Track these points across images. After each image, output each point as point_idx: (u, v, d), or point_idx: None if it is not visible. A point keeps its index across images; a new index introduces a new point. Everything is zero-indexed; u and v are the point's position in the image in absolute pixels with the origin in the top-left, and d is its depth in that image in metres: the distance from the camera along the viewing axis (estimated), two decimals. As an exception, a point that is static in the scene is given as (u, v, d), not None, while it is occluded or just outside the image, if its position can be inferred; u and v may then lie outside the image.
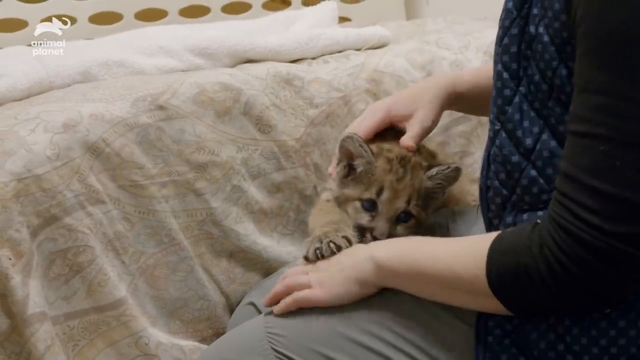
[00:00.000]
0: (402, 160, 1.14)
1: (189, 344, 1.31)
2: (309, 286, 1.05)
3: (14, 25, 1.89)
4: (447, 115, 1.50)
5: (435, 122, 1.20)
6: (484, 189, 0.98)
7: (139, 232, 1.27)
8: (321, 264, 1.06)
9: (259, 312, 1.24)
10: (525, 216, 0.93)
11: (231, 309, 1.36)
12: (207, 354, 1.13)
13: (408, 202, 1.13)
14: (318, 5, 1.86)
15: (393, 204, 1.13)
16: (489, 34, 1.65)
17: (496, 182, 0.95)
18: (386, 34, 1.65)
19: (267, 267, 1.39)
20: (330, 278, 1.04)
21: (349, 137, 1.14)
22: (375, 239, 1.12)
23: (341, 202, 1.17)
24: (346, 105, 1.45)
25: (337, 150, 1.18)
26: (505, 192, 0.95)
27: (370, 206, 1.14)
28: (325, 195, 1.24)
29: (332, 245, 1.07)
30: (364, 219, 1.14)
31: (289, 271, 1.12)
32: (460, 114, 1.48)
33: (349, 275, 1.02)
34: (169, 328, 1.31)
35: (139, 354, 1.25)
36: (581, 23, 0.81)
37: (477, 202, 1.26)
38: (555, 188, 0.84)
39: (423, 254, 0.96)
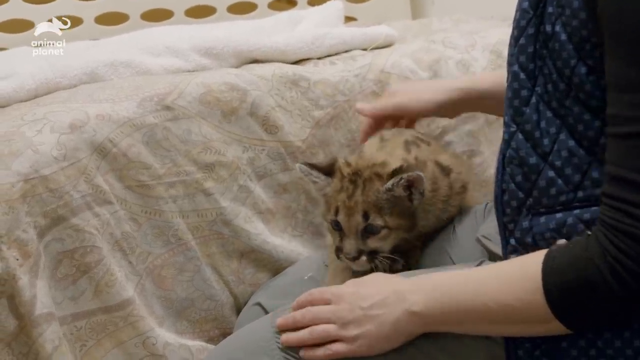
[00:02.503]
0: (354, 175, 1.12)
1: (196, 344, 1.30)
2: (338, 337, 0.97)
3: (20, 26, 1.90)
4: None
5: (426, 109, 1.24)
6: (499, 193, 0.95)
7: (146, 232, 1.27)
8: (349, 313, 0.97)
9: (266, 312, 1.24)
10: (542, 219, 0.91)
11: (239, 310, 1.36)
12: (214, 354, 1.12)
13: (366, 216, 1.10)
14: (324, 5, 1.85)
15: (350, 221, 1.11)
16: (496, 32, 1.64)
17: (512, 185, 0.93)
18: (392, 33, 1.64)
19: (277, 267, 1.38)
20: (368, 333, 0.96)
21: (299, 169, 1.15)
22: (347, 257, 1.11)
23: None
24: (351, 109, 1.45)
25: None
26: (521, 195, 0.93)
27: (337, 226, 1.13)
28: None
29: None
30: (337, 239, 1.14)
31: (310, 311, 1.00)
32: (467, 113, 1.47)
33: (389, 333, 0.95)
34: (176, 328, 1.31)
35: (147, 355, 1.24)
36: (611, 22, 0.80)
37: (485, 201, 1.26)
38: (604, 195, 0.83)
39: (465, 292, 0.91)
